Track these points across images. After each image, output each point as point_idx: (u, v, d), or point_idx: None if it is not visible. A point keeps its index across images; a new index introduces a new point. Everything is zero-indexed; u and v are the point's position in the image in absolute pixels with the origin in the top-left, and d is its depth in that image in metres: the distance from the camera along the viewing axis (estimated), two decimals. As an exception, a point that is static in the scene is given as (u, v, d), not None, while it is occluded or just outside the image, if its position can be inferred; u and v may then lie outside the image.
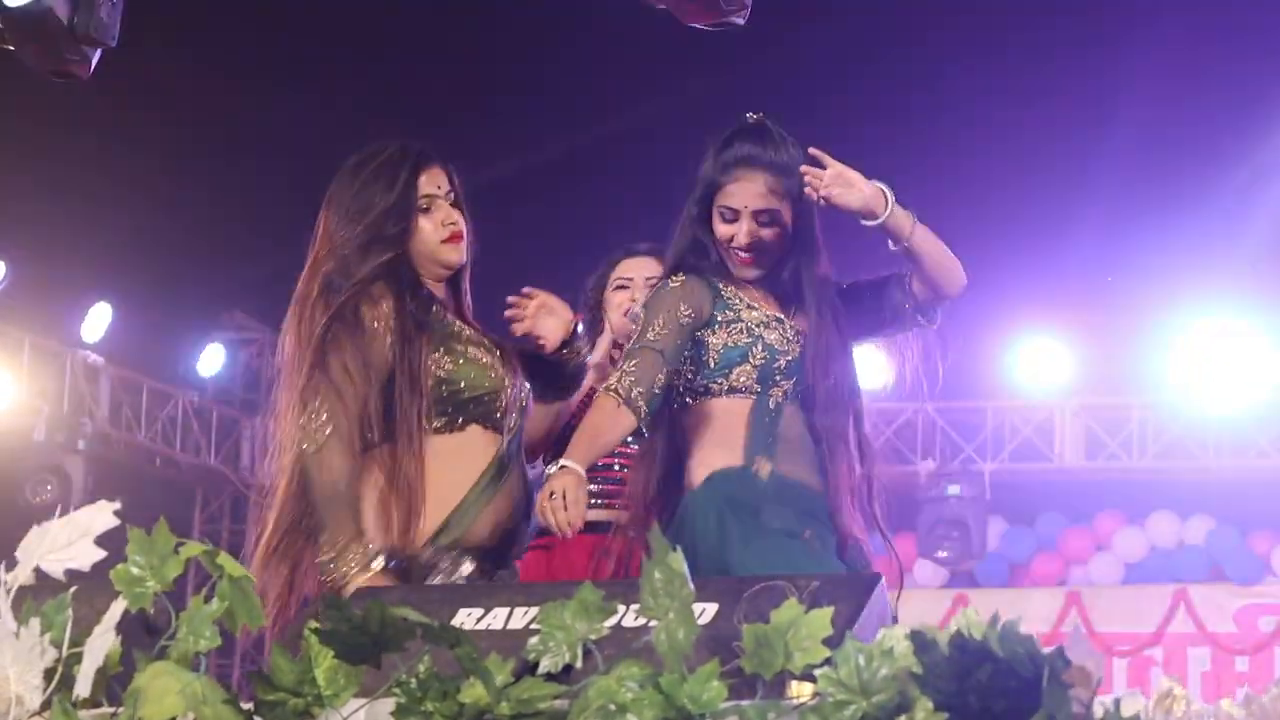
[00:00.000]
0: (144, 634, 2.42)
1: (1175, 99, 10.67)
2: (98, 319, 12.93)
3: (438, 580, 3.89)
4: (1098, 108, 11.04)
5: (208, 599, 2.41)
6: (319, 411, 3.84)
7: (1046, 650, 2.01)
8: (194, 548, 2.38)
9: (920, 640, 2.10)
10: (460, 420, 3.96)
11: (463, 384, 3.97)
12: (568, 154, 11.19)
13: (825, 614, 2.29)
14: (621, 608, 2.75)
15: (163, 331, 13.49)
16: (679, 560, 2.33)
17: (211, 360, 14.04)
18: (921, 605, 11.79)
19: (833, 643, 2.26)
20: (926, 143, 10.84)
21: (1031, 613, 12.41)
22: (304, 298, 4.00)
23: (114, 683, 2.35)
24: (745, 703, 2.22)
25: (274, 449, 3.98)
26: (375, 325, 3.92)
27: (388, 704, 2.35)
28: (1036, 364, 12.17)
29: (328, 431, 3.82)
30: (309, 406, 3.85)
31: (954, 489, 12.18)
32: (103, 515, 2.43)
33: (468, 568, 3.95)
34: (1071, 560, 12.60)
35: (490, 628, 2.91)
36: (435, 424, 3.94)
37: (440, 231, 4.06)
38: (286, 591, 3.88)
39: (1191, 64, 10.62)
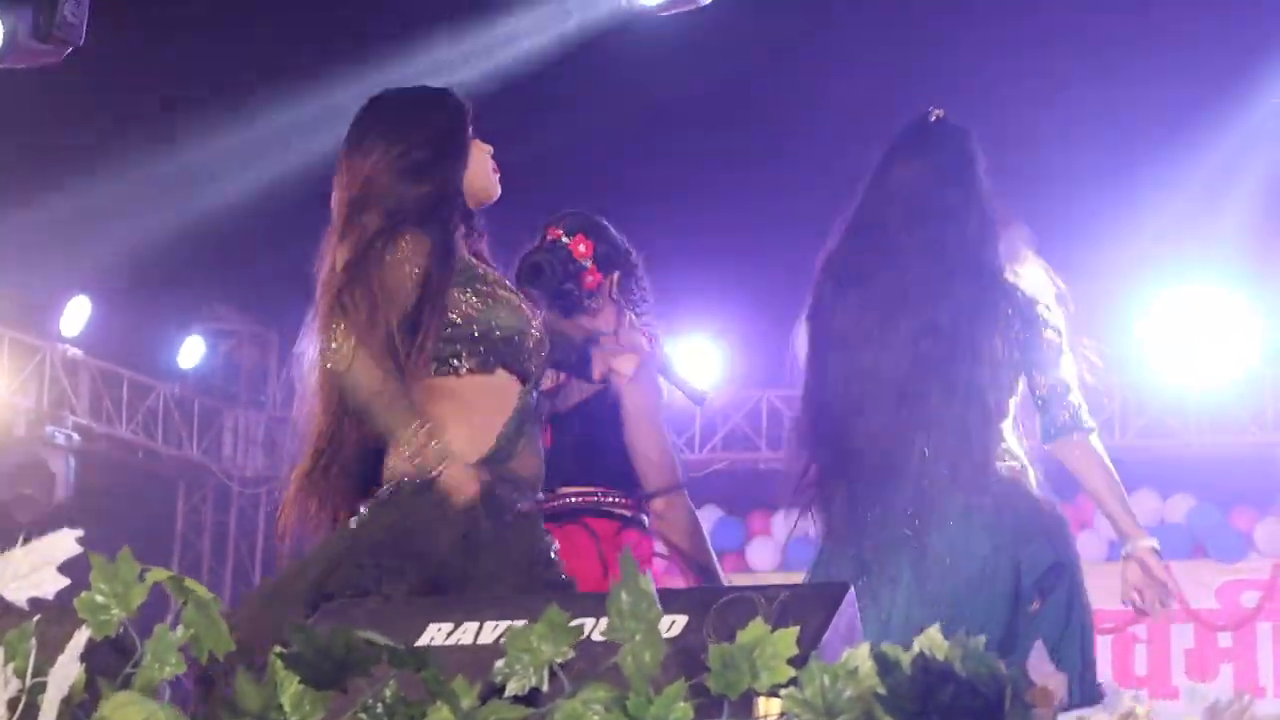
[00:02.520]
0: (111, 660, 2.41)
1: (1151, 65, 10.67)
2: (77, 312, 12.91)
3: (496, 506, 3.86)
4: (1065, 76, 11.02)
5: (174, 625, 2.40)
6: (343, 333, 3.81)
7: (1009, 671, 2.02)
8: (159, 574, 2.37)
9: (884, 661, 2.10)
10: (491, 361, 3.94)
11: (493, 323, 3.95)
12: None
13: (790, 634, 2.28)
14: (591, 621, 2.75)
15: (142, 324, 13.48)
16: (648, 582, 2.33)
17: (192, 352, 14.02)
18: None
19: (798, 661, 2.26)
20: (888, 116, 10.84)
21: (1015, 592, 12.44)
22: (342, 220, 3.95)
23: (79, 712, 2.34)
24: (711, 723, 2.22)
25: (305, 370, 4.00)
26: (399, 257, 3.86)
27: (354, 728, 2.34)
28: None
29: (352, 345, 3.79)
30: (332, 329, 3.83)
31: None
32: (65, 543, 2.42)
33: (518, 499, 3.92)
34: (1055, 539, 12.61)
35: (460, 643, 2.91)
36: (467, 365, 3.92)
37: (488, 163, 4.08)
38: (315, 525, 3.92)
39: (1170, 28, 10.63)
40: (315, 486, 3.94)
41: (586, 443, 4.79)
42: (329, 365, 3.83)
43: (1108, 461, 4.23)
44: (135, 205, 11.68)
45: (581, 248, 4.94)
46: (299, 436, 4.02)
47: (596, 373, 4.71)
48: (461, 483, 3.78)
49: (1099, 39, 10.82)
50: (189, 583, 2.36)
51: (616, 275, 4.96)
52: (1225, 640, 12.12)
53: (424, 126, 4.02)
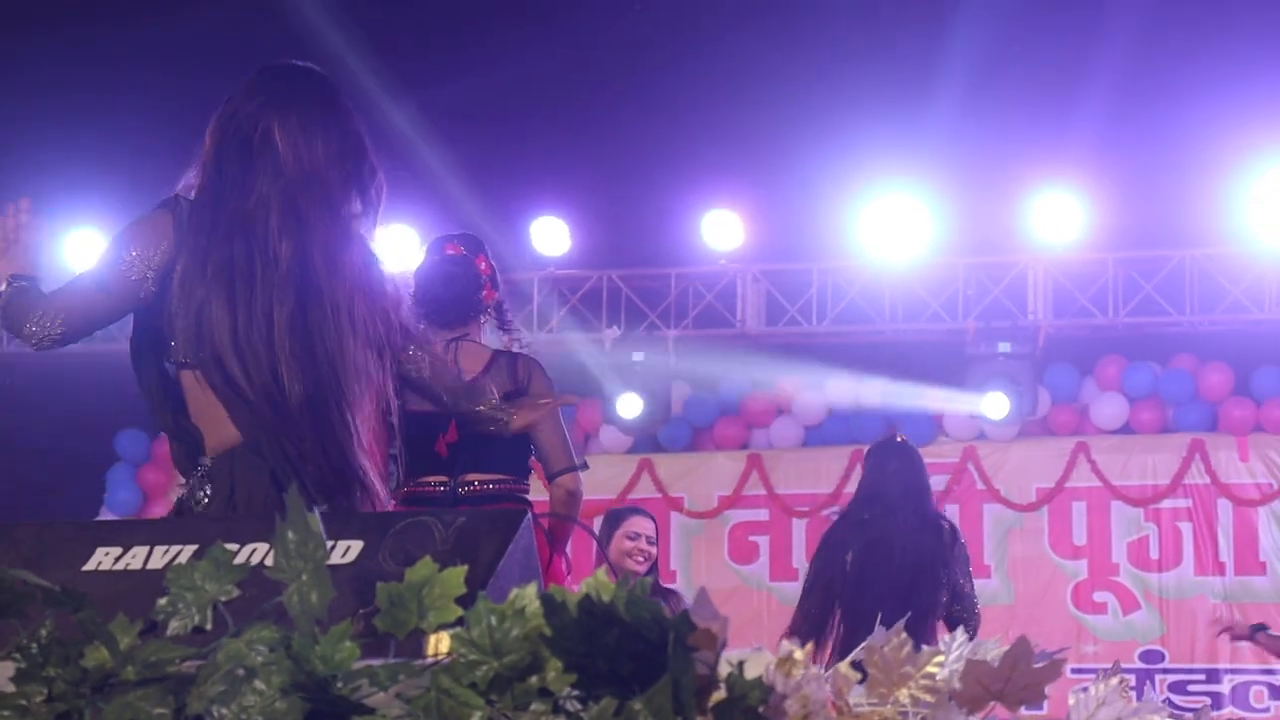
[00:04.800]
0: None
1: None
2: None
3: None
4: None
5: None
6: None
7: (672, 616, 2.02)
8: None
9: (550, 603, 2.09)
10: None
11: None
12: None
13: (459, 572, 2.26)
14: (264, 547, 2.70)
15: None
16: (315, 521, 2.28)
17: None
18: (607, 470, 11.92)
19: (467, 600, 2.24)
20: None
21: (714, 476, 12.62)
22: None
23: None
24: (377, 663, 2.19)
25: None
26: None
27: (7, 669, 2.27)
28: (718, 230, 12.26)
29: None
30: None
31: (639, 355, 12.28)
32: None
33: None
34: (753, 424, 12.80)
35: (129, 568, 2.84)
36: None
37: None
38: None
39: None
40: None
41: (491, 436, 5.30)
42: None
43: None
44: None
45: (483, 265, 5.88)
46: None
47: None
48: None
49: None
50: None
51: (497, 296, 5.93)
52: (915, 521, 12.42)
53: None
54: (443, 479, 5.69)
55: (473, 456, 5.67)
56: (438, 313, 5.69)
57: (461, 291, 5.82)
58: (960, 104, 10.88)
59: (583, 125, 11.66)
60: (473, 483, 5.68)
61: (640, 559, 7.62)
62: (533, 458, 5.86)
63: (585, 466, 5.99)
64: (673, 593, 7.82)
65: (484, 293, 5.88)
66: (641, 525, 7.77)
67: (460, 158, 11.51)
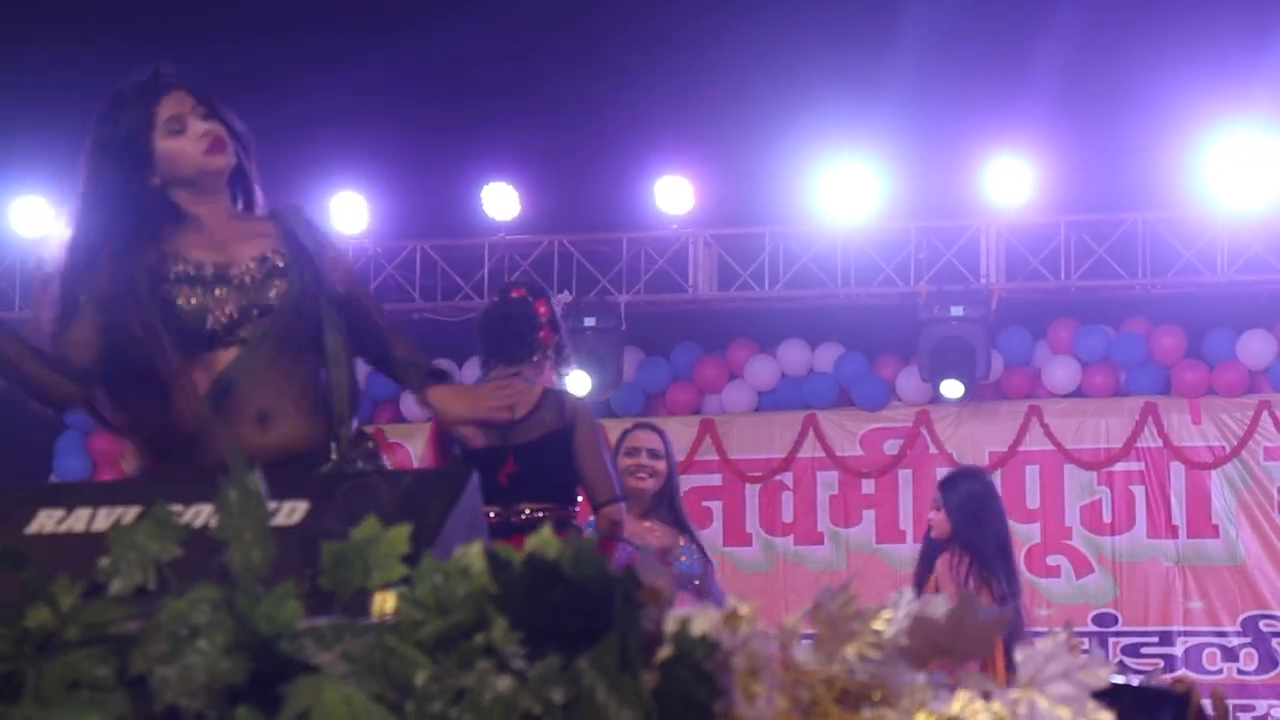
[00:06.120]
0: None
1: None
2: None
3: None
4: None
5: None
6: None
7: (618, 573, 2.01)
8: None
9: (496, 560, 2.08)
10: None
11: None
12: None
13: (404, 531, 2.25)
14: (209, 508, 2.68)
15: None
16: (255, 480, 2.26)
17: None
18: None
19: (412, 558, 2.22)
20: None
21: (667, 441, 12.61)
22: None
23: None
24: (321, 622, 2.18)
25: None
26: None
27: (-52, 631, 2.24)
28: (670, 195, 12.21)
29: None
30: None
31: (590, 320, 12.25)
32: None
33: None
34: (705, 389, 12.80)
35: (72, 530, 2.82)
36: None
37: (200, 144, 4.06)
38: None
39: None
40: None
41: (544, 468, 6.26)
42: None
43: None
44: None
45: (542, 309, 6.47)
46: None
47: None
48: None
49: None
50: None
51: (556, 339, 6.51)
52: (868, 486, 12.46)
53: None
54: (497, 508, 6.16)
55: (528, 487, 6.23)
56: (495, 348, 6.40)
57: (518, 330, 6.40)
58: (913, 66, 10.85)
59: (533, 90, 11.61)
60: (524, 511, 6.20)
61: (643, 475, 7.11)
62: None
63: (626, 498, 6.53)
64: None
65: (541, 334, 6.43)
66: (638, 439, 7.25)
67: (409, 124, 11.46)
